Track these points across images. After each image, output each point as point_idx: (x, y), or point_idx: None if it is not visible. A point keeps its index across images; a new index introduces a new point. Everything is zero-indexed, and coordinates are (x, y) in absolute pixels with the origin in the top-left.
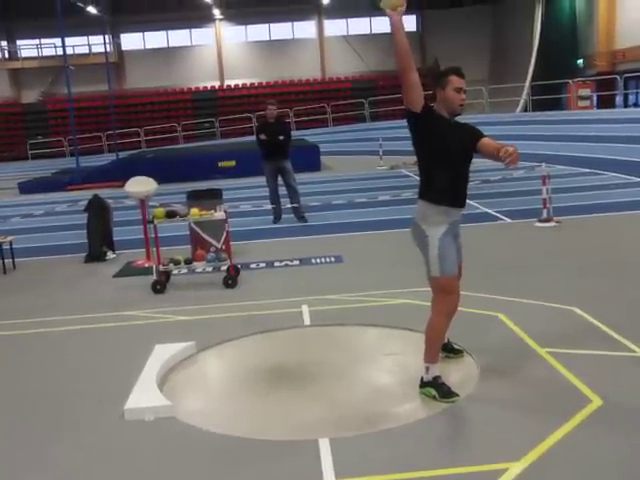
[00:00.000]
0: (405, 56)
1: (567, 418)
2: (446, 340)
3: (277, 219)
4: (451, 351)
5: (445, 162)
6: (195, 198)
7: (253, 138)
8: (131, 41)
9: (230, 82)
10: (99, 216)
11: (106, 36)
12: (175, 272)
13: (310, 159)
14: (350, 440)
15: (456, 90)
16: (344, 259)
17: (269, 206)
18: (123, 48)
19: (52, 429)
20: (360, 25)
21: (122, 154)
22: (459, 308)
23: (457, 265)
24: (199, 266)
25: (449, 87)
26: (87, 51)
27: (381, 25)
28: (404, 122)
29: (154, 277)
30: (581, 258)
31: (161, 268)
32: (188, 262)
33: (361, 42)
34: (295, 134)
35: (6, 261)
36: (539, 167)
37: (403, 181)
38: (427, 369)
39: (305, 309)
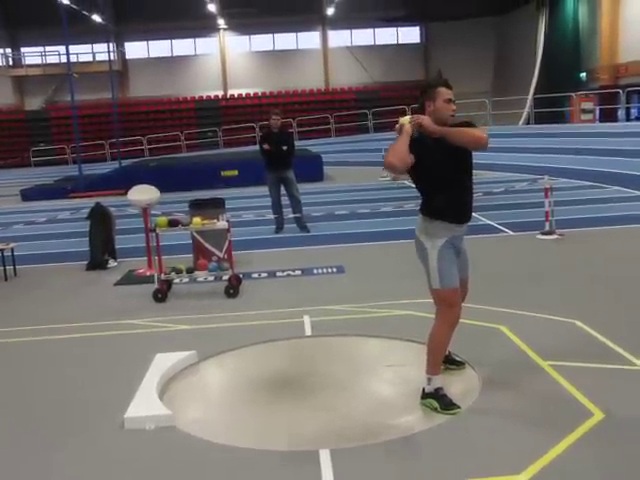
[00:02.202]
0: (401, 158)
1: (569, 431)
2: (447, 352)
3: (279, 229)
4: (452, 363)
5: (440, 183)
6: (197, 207)
7: (256, 147)
8: (135, 50)
9: (234, 92)
10: (101, 224)
11: (110, 44)
12: (177, 281)
13: (313, 169)
14: (351, 451)
15: (446, 101)
16: (346, 270)
17: (271, 216)
18: (127, 56)
19: (53, 437)
20: (364, 36)
21: (125, 162)
22: (461, 320)
23: (458, 278)
24: (201, 275)
25: (439, 99)
26: (91, 59)
27: (385, 36)
28: None
29: (156, 286)
30: (583, 271)
31: (163, 277)
32: (190, 271)
33: (365, 53)
34: (298, 144)
35: (7, 268)
36: (542, 179)
37: (406, 192)
38: (429, 380)
39: (307, 319)
